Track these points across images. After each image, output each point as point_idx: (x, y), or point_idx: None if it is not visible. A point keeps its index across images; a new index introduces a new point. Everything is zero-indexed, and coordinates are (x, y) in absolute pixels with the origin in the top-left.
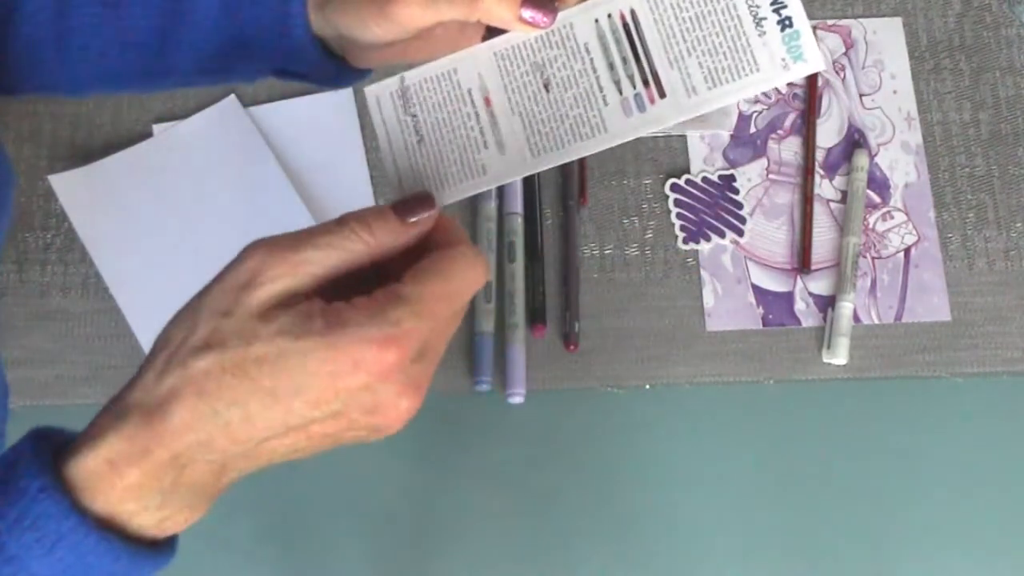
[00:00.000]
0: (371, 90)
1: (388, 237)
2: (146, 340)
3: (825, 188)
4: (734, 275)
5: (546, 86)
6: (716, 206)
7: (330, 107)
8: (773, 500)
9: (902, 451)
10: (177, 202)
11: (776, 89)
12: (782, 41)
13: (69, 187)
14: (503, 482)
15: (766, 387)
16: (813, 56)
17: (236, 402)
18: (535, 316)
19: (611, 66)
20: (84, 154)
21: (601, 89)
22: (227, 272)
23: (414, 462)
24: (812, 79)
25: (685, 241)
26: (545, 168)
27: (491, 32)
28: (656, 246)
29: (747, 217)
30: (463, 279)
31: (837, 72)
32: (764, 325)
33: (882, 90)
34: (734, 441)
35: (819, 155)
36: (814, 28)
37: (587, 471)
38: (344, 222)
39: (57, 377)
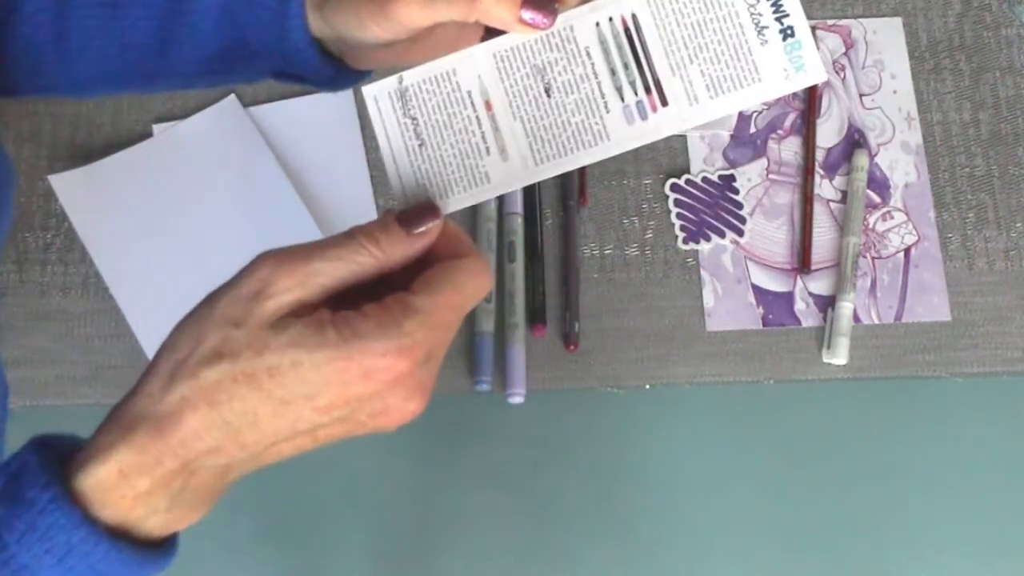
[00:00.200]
0: (369, 90)
1: (396, 250)
2: (146, 340)
3: (825, 188)
4: (734, 275)
5: (547, 91)
6: (716, 206)
7: (330, 107)
8: (773, 500)
9: (902, 451)
10: (177, 202)
11: None
12: (784, 51)
13: (69, 187)
14: (503, 482)
15: (766, 387)
16: (814, 67)
17: (247, 411)
18: (535, 316)
19: (612, 71)
20: (84, 154)
21: (603, 95)
22: (237, 282)
23: (414, 462)
24: None
25: (685, 241)
26: (548, 176)
27: (489, 34)
28: (656, 246)
29: (747, 217)
30: (471, 289)
31: (837, 72)
32: (764, 325)
33: (882, 90)
34: (734, 441)
35: (819, 155)
36: (814, 28)
37: (587, 471)
38: (352, 236)
39: (57, 377)
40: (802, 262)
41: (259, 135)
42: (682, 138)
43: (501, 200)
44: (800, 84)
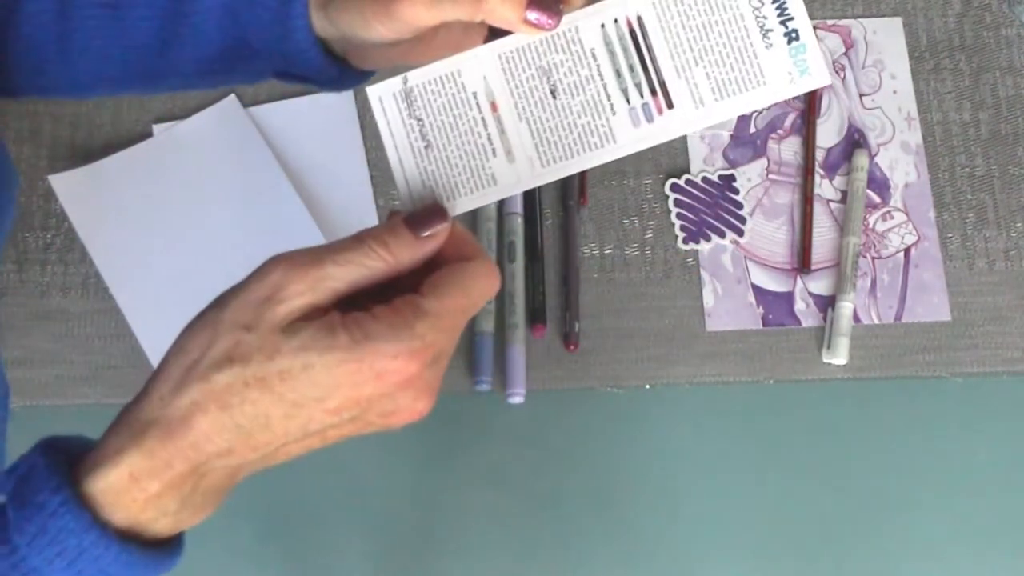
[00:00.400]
0: (373, 91)
1: (405, 253)
2: (146, 340)
3: (825, 188)
4: (734, 275)
5: (553, 92)
6: (716, 206)
7: (330, 107)
8: (773, 500)
9: (902, 451)
10: (177, 202)
11: None
12: (788, 54)
13: (69, 187)
14: (503, 482)
15: (766, 387)
16: (819, 70)
17: (258, 414)
18: (535, 316)
19: (618, 73)
20: (84, 154)
21: (609, 97)
22: (247, 286)
23: (414, 462)
24: None
25: (685, 241)
26: (555, 178)
27: (494, 34)
28: (656, 246)
29: (747, 217)
30: (479, 291)
31: (837, 72)
32: (764, 325)
33: (882, 90)
34: (734, 441)
35: (819, 155)
36: (814, 28)
37: (587, 471)
38: (361, 239)
39: (57, 377)
40: (802, 262)
41: (259, 135)
42: (682, 138)
43: (501, 200)
44: (804, 87)
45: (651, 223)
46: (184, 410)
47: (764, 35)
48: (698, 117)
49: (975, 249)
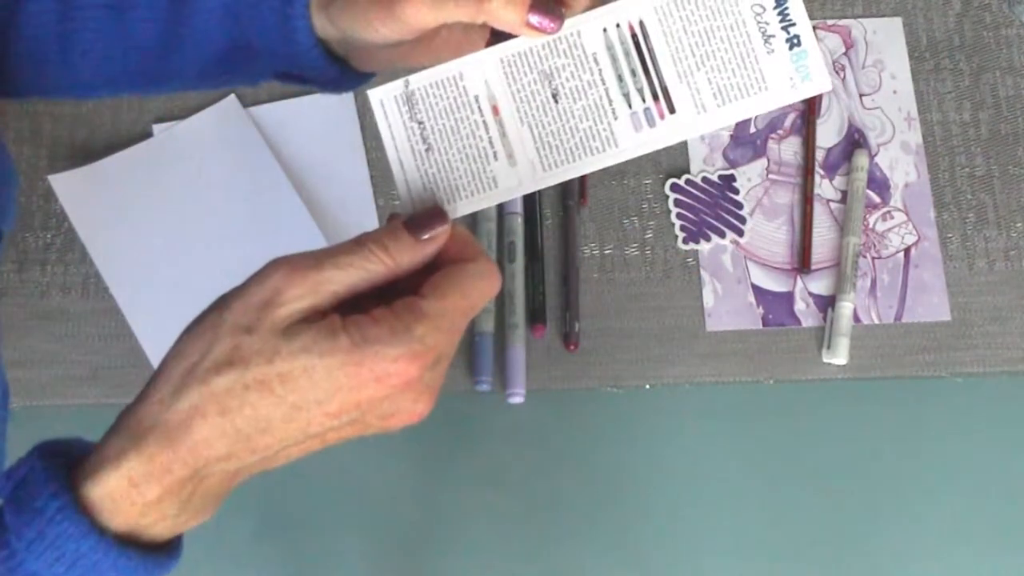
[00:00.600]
0: (374, 93)
1: (405, 256)
2: (146, 340)
3: (825, 188)
4: (734, 275)
5: (555, 96)
6: (716, 206)
7: (330, 107)
8: (773, 500)
9: (902, 451)
10: (177, 202)
11: None
12: (790, 60)
13: (69, 187)
14: (503, 482)
15: (766, 387)
16: (820, 76)
17: (258, 418)
18: (535, 316)
19: (620, 78)
20: (84, 154)
21: (611, 102)
22: (247, 289)
23: (414, 462)
24: None
25: (685, 241)
26: (556, 182)
27: (495, 37)
28: (656, 246)
29: (747, 217)
30: (481, 292)
31: (837, 72)
32: (764, 325)
33: (882, 90)
34: (734, 441)
35: (819, 155)
36: (814, 28)
37: (587, 471)
38: (362, 243)
39: (57, 377)
40: (802, 262)
41: (259, 135)
42: None
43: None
44: (806, 93)
45: (651, 223)
46: (184, 414)
47: (766, 40)
48: (700, 122)
49: (975, 249)
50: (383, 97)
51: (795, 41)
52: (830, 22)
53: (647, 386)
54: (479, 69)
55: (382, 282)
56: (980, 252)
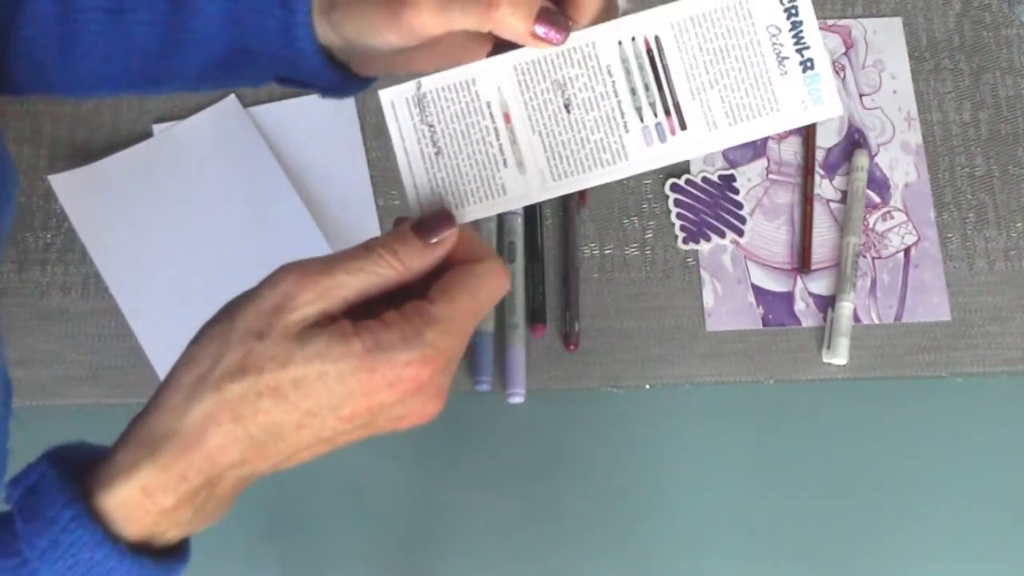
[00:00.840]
0: (385, 94)
1: (415, 261)
2: (146, 340)
3: (825, 188)
4: (734, 275)
5: (567, 106)
6: (716, 206)
7: (330, 107)
8: (773, 500)
9: (902, 451)
10: (177, 202)
11: None
12: (803, 82)
13: (69, 187)
14: (503, 482)
15: (766, 387)
16: (832, 100)
17: (271, 424)
18: (535, 316)
19: (633, 91)
20: (84, 154)
21: (623, 115)
22: (258, 294)
23: (414, 462)
24: None
25: (685, 241)
26: (565, 192)
27: (498, 47)
28: (656, 246)
29: (747, 217)
30: (490, 293)
31: (837, 72)
32: (764, 325)
33: (882, 90)
34: (734, 441)
35: (819, 155)
36: None
37: (587, 471)
38: (371, 247)
39: (57, 377)
40: (802, 262)
41: (259, 135)
42: None
43: None
44: (817, 117)
45: (651, 223)
46: (197, 422)
47: (780, 62)
48: (710, 140)
49: (975, 249)
50: (394, 98)
51: (808, 64)
52: (830, 22)
53: (647, 386)
54: (492, 75)
55: (392, 287)
56: (980, 252)
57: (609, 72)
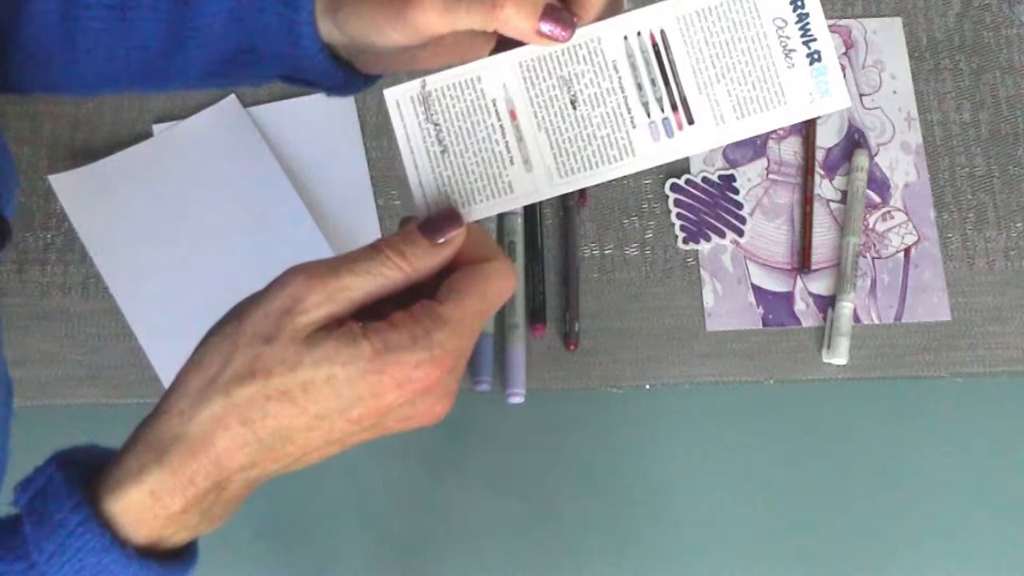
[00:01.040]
0: (390, 92)
1: (422, 261)
2: (146, 340)
3: (825, 188)
4: (734, 275)
5: (573, 103)
6: (716, 206)
7: (330, 107)
8: (773, 500)
9: (902, 451)
10: (177, 202)
11: None
12: (810, 75)
13: (69, 187)
14: (503, 481)
15: (766, 387)
16: (839, 92)
17: (280, 427)
18: (535, 316)
19: (639, 87)
20: (84, 154)
21: (629, 110)
22: (265, 297)
23: (414, 462)
24: None
25: (685, 241)
26: (572, 189)
27: (502, 45)
28: (656, 246)
29: (747, 217)
30: (498, 292)
31: None
32: (764, 325)
33: (882, 90)
34: (734, 441)
35: (819, 155)
36: None
37: (587, 471)
38: (379, 249)
39: (57, 377)
40: (802, 262)
41: (259, 135)
42: None
43: None
44: (825, 109)
45: (651, 223)
46: (206, 426)
47: (787, 55)
48: (718, 134)
49: (975, 249)
50: (399, 97)
51: (815, 56)
52: (830, 22)
53: (647, 386)
54: (497, 72)
55: (400, 287)
56: (980, 252)
57: (615, 68)
